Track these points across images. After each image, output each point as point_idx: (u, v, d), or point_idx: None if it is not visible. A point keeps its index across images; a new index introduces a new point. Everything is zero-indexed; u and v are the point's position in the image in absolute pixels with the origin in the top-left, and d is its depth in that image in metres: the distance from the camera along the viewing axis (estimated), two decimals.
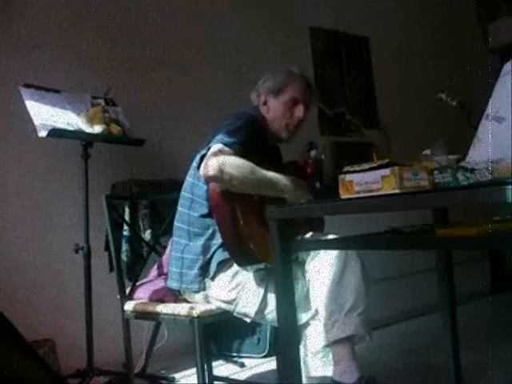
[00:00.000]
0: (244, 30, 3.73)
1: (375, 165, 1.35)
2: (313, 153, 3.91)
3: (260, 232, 1.85)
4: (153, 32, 3.27)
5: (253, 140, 1.92)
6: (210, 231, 1.97)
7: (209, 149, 1.88)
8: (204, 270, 1.97)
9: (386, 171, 1.30)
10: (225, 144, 1.85)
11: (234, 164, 1.82)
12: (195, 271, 1.98)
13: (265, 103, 2.12)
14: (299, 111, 2.10)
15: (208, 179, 1.85)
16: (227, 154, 1.84)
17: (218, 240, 1.95)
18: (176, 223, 2.10)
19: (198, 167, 1.92)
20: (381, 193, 1.31)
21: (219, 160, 1.81)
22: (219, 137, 1.89)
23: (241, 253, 1.87)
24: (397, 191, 1.28)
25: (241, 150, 1.86)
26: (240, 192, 1.86)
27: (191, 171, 2.08)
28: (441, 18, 5.08)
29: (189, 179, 2.08)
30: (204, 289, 1.98)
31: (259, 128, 2.04)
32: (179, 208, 2.10)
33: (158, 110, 3.20)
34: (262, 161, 1.92)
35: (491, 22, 5.42)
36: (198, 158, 1.99)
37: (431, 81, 4.45)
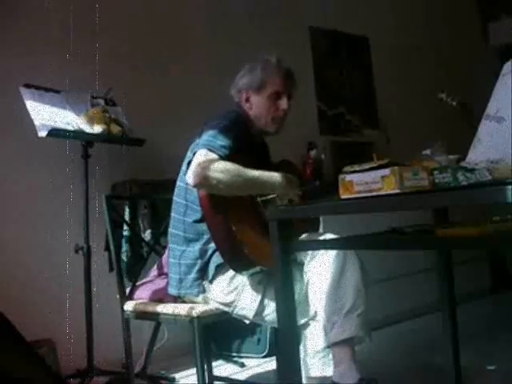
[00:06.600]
0: (244, 30, 3.73)
1: (375, 165, 1.35)
2: (313, 153, 3.90)
3: (253, 236, 1.85)
4: (153, 32, 3.27)
5: (239, 139, 1.90)
6: (205, 236, 1.95)
7: (194, 153, 1.86)
8: (202, 273, 1.96)
9: (386, 171, 1.30)
10: (210, 149, 1.83)
11: (219, 168, 1.80)
12: (193, 275, 1.97)
13: (247, 100, 2.09)
14: (283, 103, 2.07)
15: (195, 187, 1.84)
16: (212, 158, 1.82)
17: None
18: (171, 230, 2.08)
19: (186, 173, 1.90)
20: (381, 193, 1.31)
21: (204, 166, 1.79)
22: (204, 140, 1.87)
23: (235, 258, 1.86)
24: (397, 191, 1.28)
25: (227, 153, 1.84)
26: (229, 195, 1.84)
27: (181, 175, 2.05)
28: (441, 18, 5.08)
29: (180, 184, 2.05)
30: (203, 291, 1.98)
31: (245, 126, 2.02)
32: (173, 214, 2.08)
33: (158, 110, 3.20)
34: (250, 159, 1.90)
35: (491, 22, 5.43)
36: (186, 161, 1.98)
37: (431, 81, 4.46)
